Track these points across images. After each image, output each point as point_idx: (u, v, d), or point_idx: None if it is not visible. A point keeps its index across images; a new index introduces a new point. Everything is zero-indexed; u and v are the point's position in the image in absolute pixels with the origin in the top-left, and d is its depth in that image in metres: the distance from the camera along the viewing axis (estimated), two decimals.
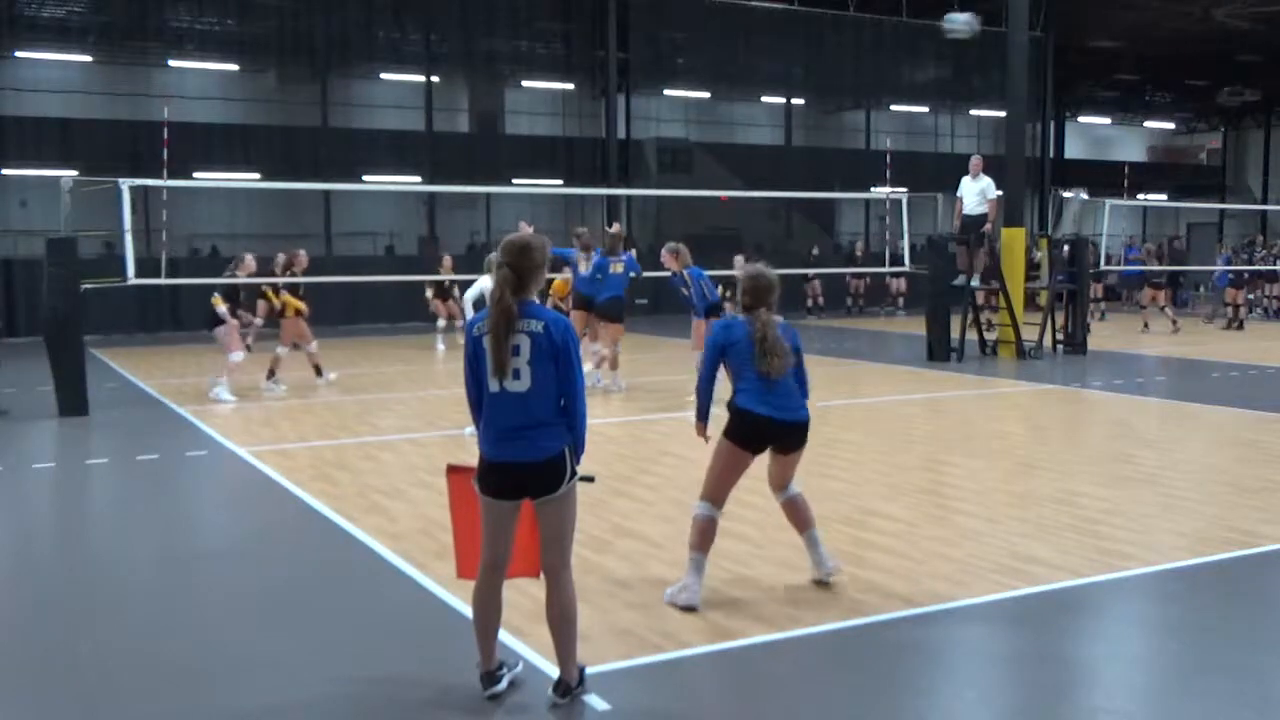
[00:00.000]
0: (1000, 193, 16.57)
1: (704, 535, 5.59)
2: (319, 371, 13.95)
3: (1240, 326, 22.24)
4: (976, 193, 16.35)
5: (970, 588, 5.78)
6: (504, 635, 4.68)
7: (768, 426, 5.52)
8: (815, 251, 27.18)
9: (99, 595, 5.99)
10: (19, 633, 5.43)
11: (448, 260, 19.03)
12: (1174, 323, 21.39)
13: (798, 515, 5.84)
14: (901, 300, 26.43)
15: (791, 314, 26.04)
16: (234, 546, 7.02)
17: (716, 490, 5.64)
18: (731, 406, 5.58)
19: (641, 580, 5.93)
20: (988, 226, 16.40)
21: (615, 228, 14.27)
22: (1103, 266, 22.49)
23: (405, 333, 21.02)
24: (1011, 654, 5.15)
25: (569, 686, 4.39)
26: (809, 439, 5.73)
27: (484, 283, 9.72)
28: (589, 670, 4.55)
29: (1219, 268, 24.98)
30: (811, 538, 5.84)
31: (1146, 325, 21.99)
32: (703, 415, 5.80)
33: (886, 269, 19.25)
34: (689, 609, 5.39)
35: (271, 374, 13.45)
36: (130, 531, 7.42)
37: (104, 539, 7.38)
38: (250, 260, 13.22)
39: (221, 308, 12.52)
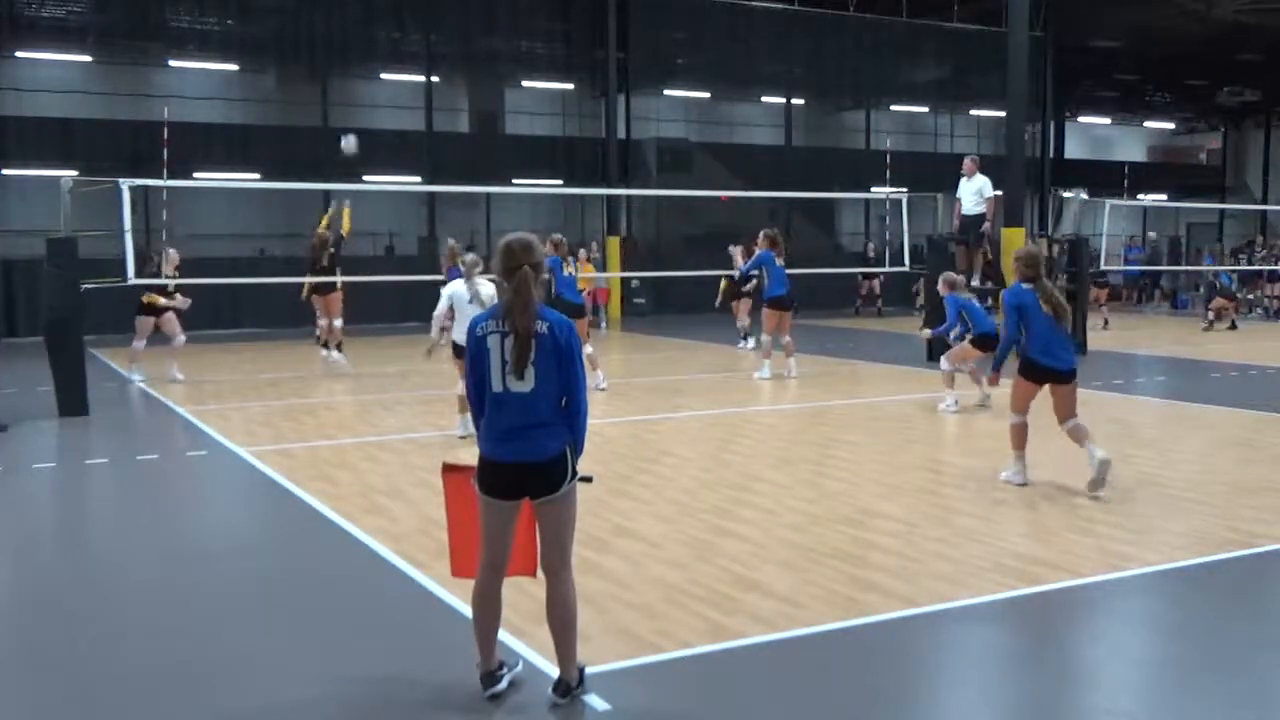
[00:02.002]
0: (999, 192, 16.57)
1: (1019, 434, 8.15)
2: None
3: (1233, 327, 22.17)
4: (974, 192, 16.35)
5: (970, 588, 5.77)
6: (504, 635, 4.68)
7: (1047, 373, 7.92)
8: (870, 254, 26.47)
9: (99, 595, 5.99)
10: (19, 633, 5.43)
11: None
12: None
13: (1076, 435, 7.96)
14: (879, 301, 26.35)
15: (843, 309, 26.15)
16: (234, 546, 7.02)
17: (1019, 405, 8.13)
18: (1023, 356, 7.96)
19: (641, 580, 5.93)
20: (986, 225, 16.39)
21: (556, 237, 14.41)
22: (1102, 266, 22.48)
23: (405, 332, 21.01)
24: (1011, 654, 5.15)
25: (569, 686, 4.39)
26: None
27: (455, 287, 9.56)
28: (589, 670, 4.55)
29: (1217, 267, 24.96)
30: (1088, 450, 7.80)
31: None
32: (997, 366, 8.34)
33: (907, 268, 19.07)
34: (1022, 485, 7.97)
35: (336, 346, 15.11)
36: (130, 531, 7.41)
37: (104, 539, 7.38)
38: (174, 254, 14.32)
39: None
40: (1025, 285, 7.93)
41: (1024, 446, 8.18)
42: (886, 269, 21.70)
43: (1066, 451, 9.55)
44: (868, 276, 25.92)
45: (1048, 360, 7.87)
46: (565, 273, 13.18)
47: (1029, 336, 7.93)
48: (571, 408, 4.40)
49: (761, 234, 14.47)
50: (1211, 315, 22.39)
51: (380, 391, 13.55)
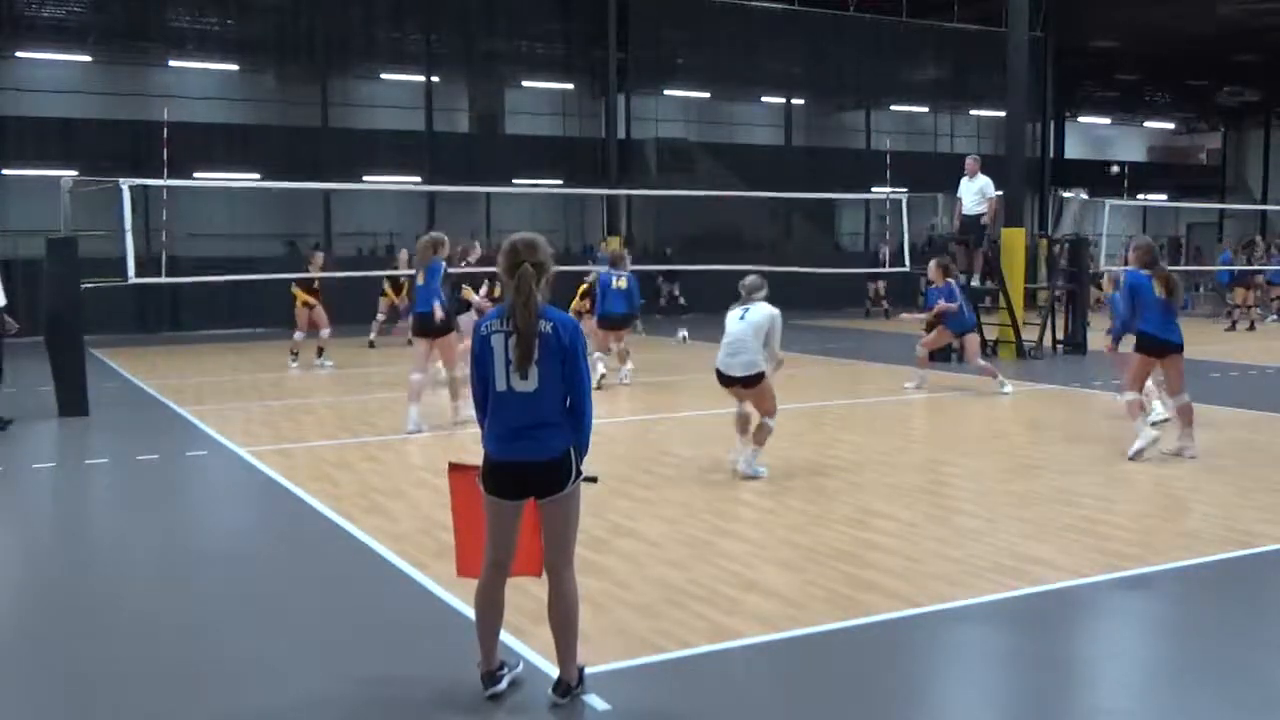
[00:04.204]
0: (999, 192, 16.56)
1: (1137, 408, 9.20)
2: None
3: (1251, 327, 22.05)
4: (974, 192, 16.35)
5: (970, 588, 5.77)
6: (505, 635, 4.67)
7: (1158, 344, 9.06)
8: (884, 255, 26.36)
9: (99, 595, 5.99)
10: (18, 633, 5.43)
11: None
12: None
13: (1183, 415, 9.15)
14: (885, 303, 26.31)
15: (846, 309, 26.12)
16: (234, 546, 7.01)
17: (1134, 383, 9.22)
18: (1138, 333, 9.13)
19: (641, 580, 5.93)
20: (986, 219, 16.40)
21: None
22: (1102, 267, 22.44)
23: (405, 332, 20.98)
24: (1011, 654, 5.15)
25: (569, 686, 4.39)
26: None
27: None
28: (589, 670, 4.54)
29: (1221, 267, 24.93)
30: (1186, 432, 9.12)
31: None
32: (1117, 339, 10.28)
33: (907, 268, 19.11)
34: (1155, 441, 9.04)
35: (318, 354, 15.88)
36: (130, 531, 7.41)
37: (104, 539, 7.37)
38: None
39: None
40: (1144, 271, 9.15)
41: (1140, 413, 9.35)
42: (887, 269, 21.70)
43: (1067, 452, 9.56)
44: (874, 278, 25.85)
45: (1166, 334, 9.10)
46: (615, 286, 13.32)
47: (1143, 317, 9.14)
48: (575, 408, 4.40)
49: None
50: (1236, 314, 22.24)
51: (380, 391, 13.55)
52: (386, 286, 18.19)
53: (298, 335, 16.12)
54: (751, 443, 8.49)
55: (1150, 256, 9.23)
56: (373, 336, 18.64)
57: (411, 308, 11.30)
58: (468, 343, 10.45)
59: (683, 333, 19.64)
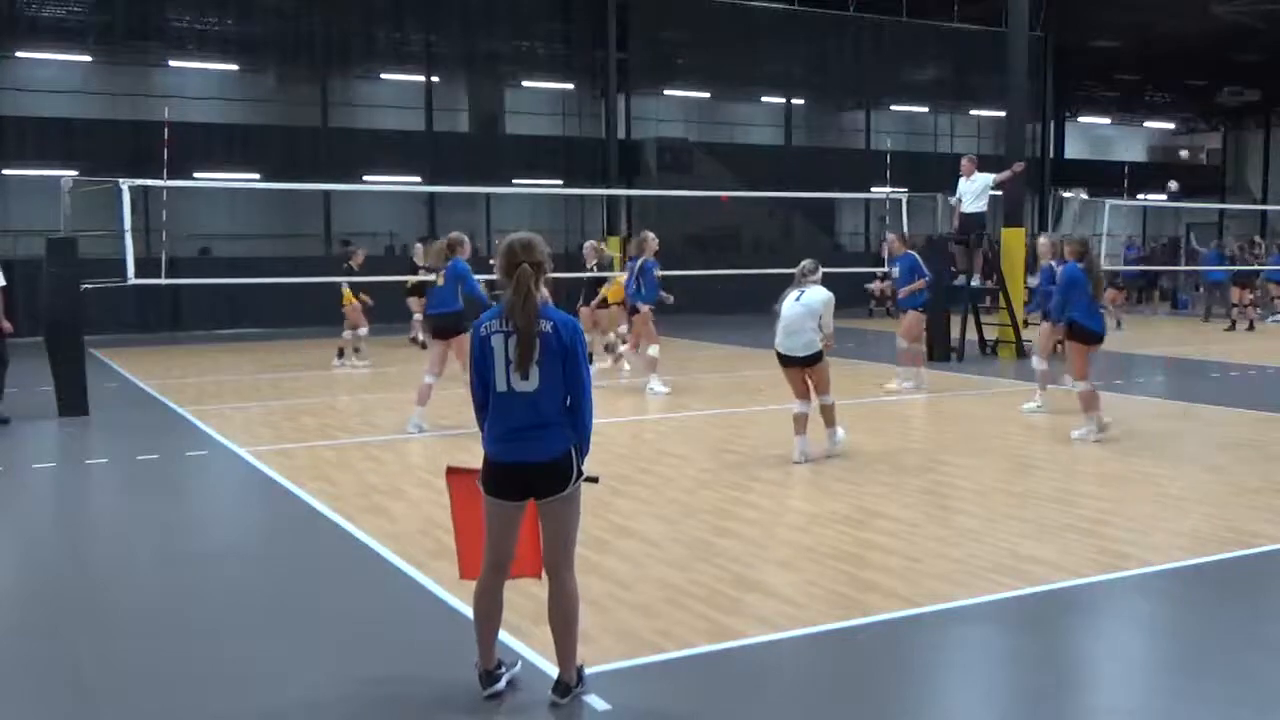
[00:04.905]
0: (998, 176, 16.57)
1: (1094, 399, 9.86)
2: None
3: (1250, 327, 22.04)
4: (973, 191, 16.32)
5: (970, 588, 5.77)
6: (504, 635, 4.67)
7: (1087, 332, 9.88)
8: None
9: (99, 595, 5.99)
10: (18, 632, 5.43)
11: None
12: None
13: (1085, 400, 9.89)
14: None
15: (856, 309, 26.07)
16: (234, 547, 7.02)
17: (1084, 372, 9.89)
18: (1070, 321, 9.96)
19: (641, 580, 5.93)
20: (1007, 177, 16.55)
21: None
22: (1104, 267, 22.46)
23: (405, 332, 20.99)
24: (1011, 654, 5.15)
25: (568, 686, 4.39)
26: None
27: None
28: (589, 670, 4.55)
29: (1214, 267, 24.90)
30: (1090, 416, 9.93)
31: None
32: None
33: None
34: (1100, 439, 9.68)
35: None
36: (130, 532, 7.41)
37: (104, 539, 7.37)
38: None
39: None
40: (1080, 265, 9.95)
41: (1098, 407, 9.95)
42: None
43: (1066, 452, 9.56)
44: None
45: (1092, 324, 9.90)
46: (658, 275, 13.24)
47: (1075, 306, 9.92)
48: (576, 407, 4.39)
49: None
50: (1234, 313, 22.25)
51: (380, 391, 13.55)
52: (345, 289, 16.22)
53: (352, 333, 16.05)
54: (823, 424, 9.16)
55: (1083, 250, 10.13)
56: (416, 335, 18.07)
57: (426, 309, 11.26)
58: None
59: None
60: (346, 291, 16.01)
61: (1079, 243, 10.38)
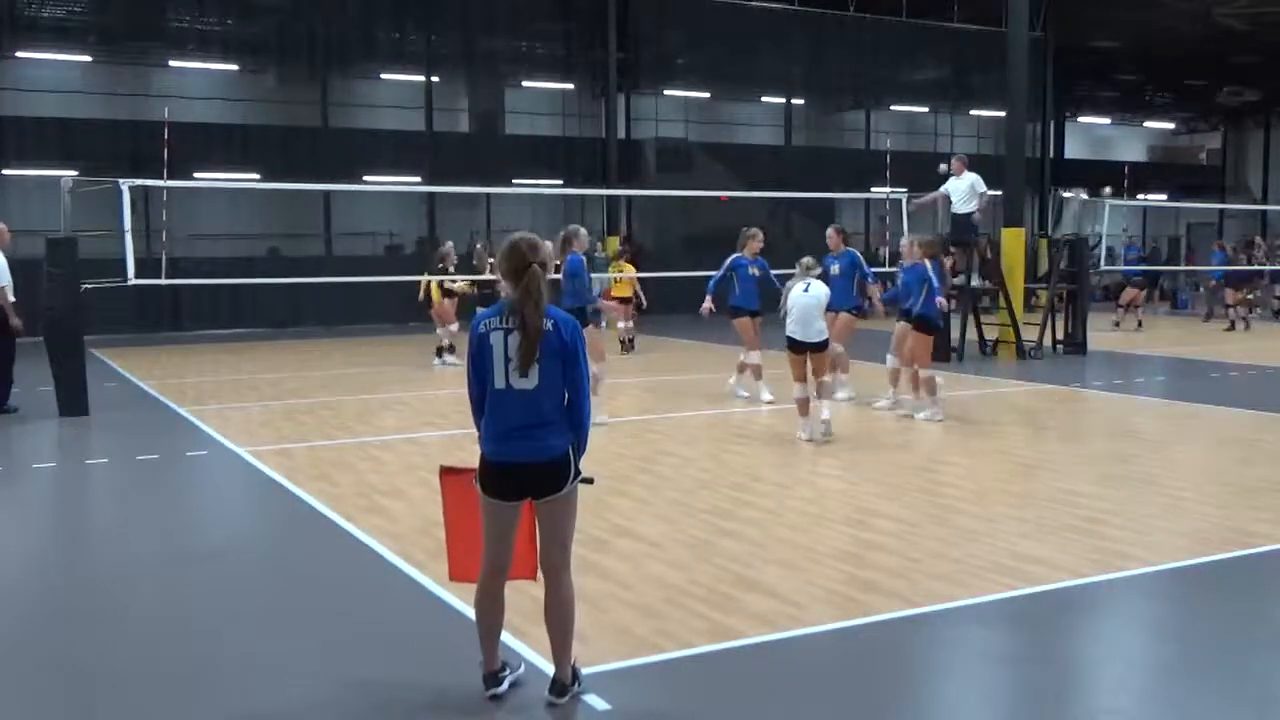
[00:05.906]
0: (988, 191, 16.46)
1: (935, 384, 11.12)
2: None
3: (1246, 327, 22.06)
4: (962, 190, 16.26)
5: (970, 588, 5.77)
6: (504, 635, 4.67)
7: (934, 325, 11.18)
8: (884, 255, 26.12)
9: (99, 595, 5.99)
10: (19, 633, 5.43)
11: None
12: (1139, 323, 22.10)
13: (926, 386, 10.99)
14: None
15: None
16: (234, 547, 7.01)
17: (925, 360, 11.05)
18: (921, 315, 11.04)
19: (641, 580, 5.93)
20: (978, 217, 16.31)
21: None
22: (1102, 266, 22.47)
23: (405, 332, 21.01)
24: (1011, 654, 5.15)
25: (565, 686, 4.38)
26: None
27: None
28: (589, 670, 4.55)
29: (1215, 267, 24.91)
30: (929, 399, 11.03)
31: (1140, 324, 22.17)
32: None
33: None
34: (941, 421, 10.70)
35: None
36: (130, 532, 7.41)
37: (104, 539, 7.37)
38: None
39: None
40: (930, 261, 10.88)
41: (937, 391, 10.95)
42: (887, 268, 21.66)
43: (1066, 452, 9.57)
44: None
45: (936, 316, 11.11)
46: (750, 272, 12.50)
47: (929, 302, 10.86)
48: (574, 406, 4.40)
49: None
50: (1233, 313, 22.21)
51: (381, 391, 13.55)
52: (435, 287, 16.08)
53: (444, 329, 16.09)
54: (822, 398, 9.99)
55: (936, 249, 11.14)
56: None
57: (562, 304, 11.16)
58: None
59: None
60: (435, 290, 16.10)
61: (931, 244, 11.24)
